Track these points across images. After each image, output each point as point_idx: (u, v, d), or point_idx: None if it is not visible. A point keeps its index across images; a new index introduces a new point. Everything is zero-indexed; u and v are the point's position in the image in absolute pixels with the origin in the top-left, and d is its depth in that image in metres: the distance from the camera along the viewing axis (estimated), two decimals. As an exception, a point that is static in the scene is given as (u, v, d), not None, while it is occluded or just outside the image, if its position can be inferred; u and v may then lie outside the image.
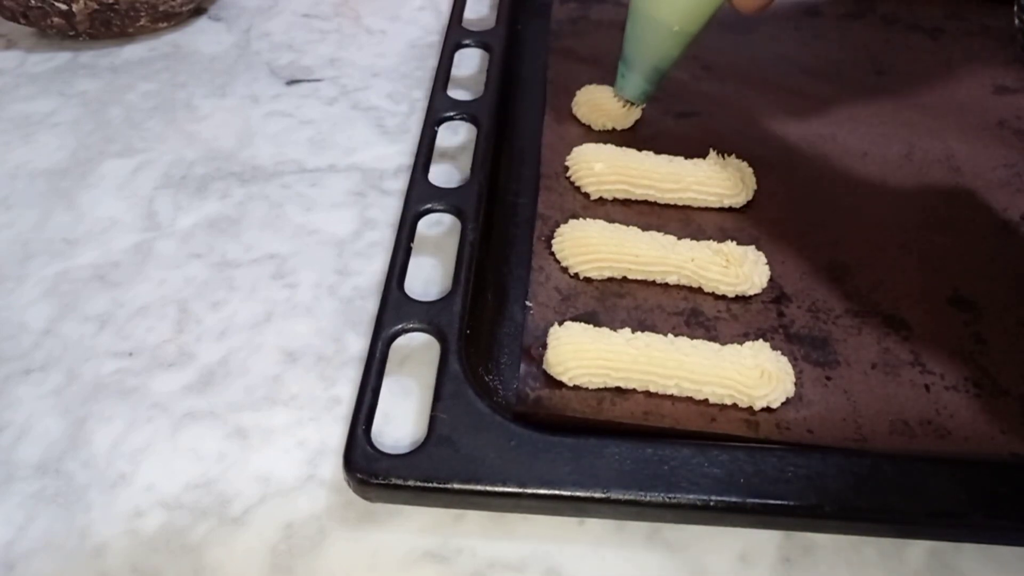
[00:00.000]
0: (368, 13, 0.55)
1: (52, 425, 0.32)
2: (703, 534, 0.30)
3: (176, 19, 0.52)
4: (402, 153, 0.39)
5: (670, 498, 0.28)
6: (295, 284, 0.38)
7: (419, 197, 0.38)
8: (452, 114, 0.43)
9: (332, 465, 0.31)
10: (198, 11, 0.54)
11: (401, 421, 0.32)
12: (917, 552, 0.29)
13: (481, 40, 0.48)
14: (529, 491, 0.28)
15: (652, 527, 0.30)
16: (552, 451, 0.29)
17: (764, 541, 0.29)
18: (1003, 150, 0.44)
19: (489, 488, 0.28)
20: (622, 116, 0.43)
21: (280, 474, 0.31)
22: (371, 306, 0.36)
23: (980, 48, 0.51)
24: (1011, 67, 0.50)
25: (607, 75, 0.43)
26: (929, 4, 0.54)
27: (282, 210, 0.41)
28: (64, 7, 0.48)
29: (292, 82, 0.49)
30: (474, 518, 0.30)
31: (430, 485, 0.28)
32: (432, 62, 0.50)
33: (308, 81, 0.49)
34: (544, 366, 0.32)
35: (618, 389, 0.32)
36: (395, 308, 0.33)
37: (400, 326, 0.33)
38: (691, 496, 0.28)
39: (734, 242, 0.37)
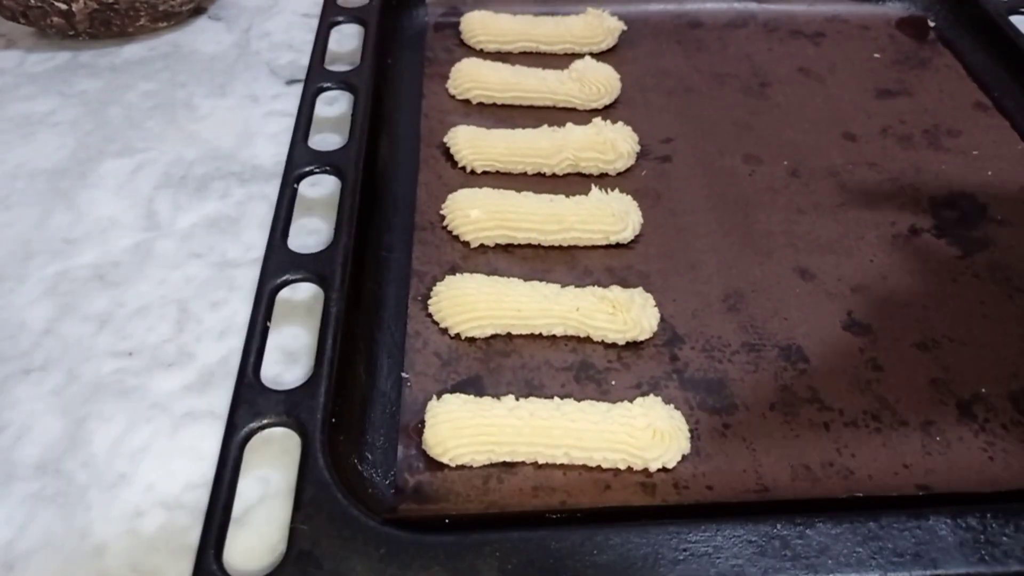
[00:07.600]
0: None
1: (52, 425, 0.32)
2: None
3: (176, 19, 0.52)
4: (402, 153, 0.39)
5: None
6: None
7: (276, 268, 0.34)
8: (313, 168, 0.38)
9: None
10: (198, 11, 0.54)
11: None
12: None
13: (344, 80, 0.43)
14: None
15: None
16: (427, 555, 0.25)
17: None
18: (887, 162, 0.44)
19: None
20: None
21: (280, 474, 0.31)
22: (371, 306, 0.36)
23: (861, 49, 0.51)
24: (891, 68, 0.50)
25: (484, 118, 0.44)
26: (810, 8, 0.54)
27: (282, 210, 0.41)
28: (64, 7, 0.48)
29: (292, 82, 0.49)
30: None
31: None
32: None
33: (308, 81, 0.49)
34: (423, 447, 0.30)
35: (505, 464, 0.30)
36: (248, 401, 0.29)
37: (254, 424, 0.29)
38: None
39: (621, 285, 0.35)
